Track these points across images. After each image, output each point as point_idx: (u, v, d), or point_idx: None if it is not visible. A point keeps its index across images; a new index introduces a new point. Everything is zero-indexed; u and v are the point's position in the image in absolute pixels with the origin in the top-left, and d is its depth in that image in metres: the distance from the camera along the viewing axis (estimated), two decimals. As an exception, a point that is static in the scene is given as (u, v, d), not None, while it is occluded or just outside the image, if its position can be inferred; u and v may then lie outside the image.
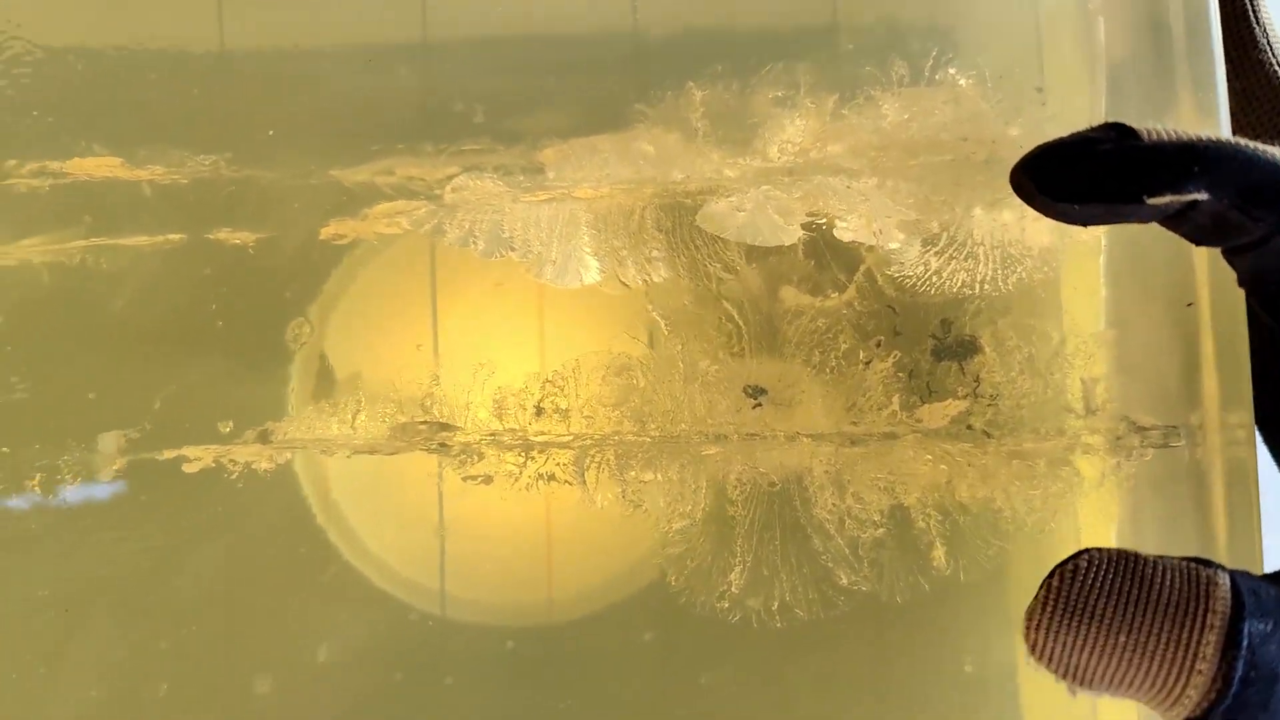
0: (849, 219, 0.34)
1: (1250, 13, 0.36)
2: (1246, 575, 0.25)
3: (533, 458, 0.35)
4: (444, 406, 0.35)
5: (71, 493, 0.35)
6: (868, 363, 0.34)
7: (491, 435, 0.35)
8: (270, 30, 0.36)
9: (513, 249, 0.35)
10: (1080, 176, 0.26)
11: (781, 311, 0.35)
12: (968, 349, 0.34)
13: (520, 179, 0.35)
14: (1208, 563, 0.25)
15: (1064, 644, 0.24)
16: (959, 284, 0.34)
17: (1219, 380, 0.32)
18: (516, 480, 0.35)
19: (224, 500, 0.35)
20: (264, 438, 0.35)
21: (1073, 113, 0.34)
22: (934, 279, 0.34)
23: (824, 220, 0.34)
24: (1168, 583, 0.24)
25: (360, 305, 0.36)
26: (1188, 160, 0.25)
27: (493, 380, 0.35)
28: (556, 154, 0.35)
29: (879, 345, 0.34)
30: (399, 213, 0.36)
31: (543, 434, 0.35)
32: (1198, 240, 0.28)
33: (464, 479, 0.35)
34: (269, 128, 0.36)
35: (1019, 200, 0.28)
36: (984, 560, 0.34)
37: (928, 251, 0.34)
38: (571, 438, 0.35)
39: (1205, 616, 0.24)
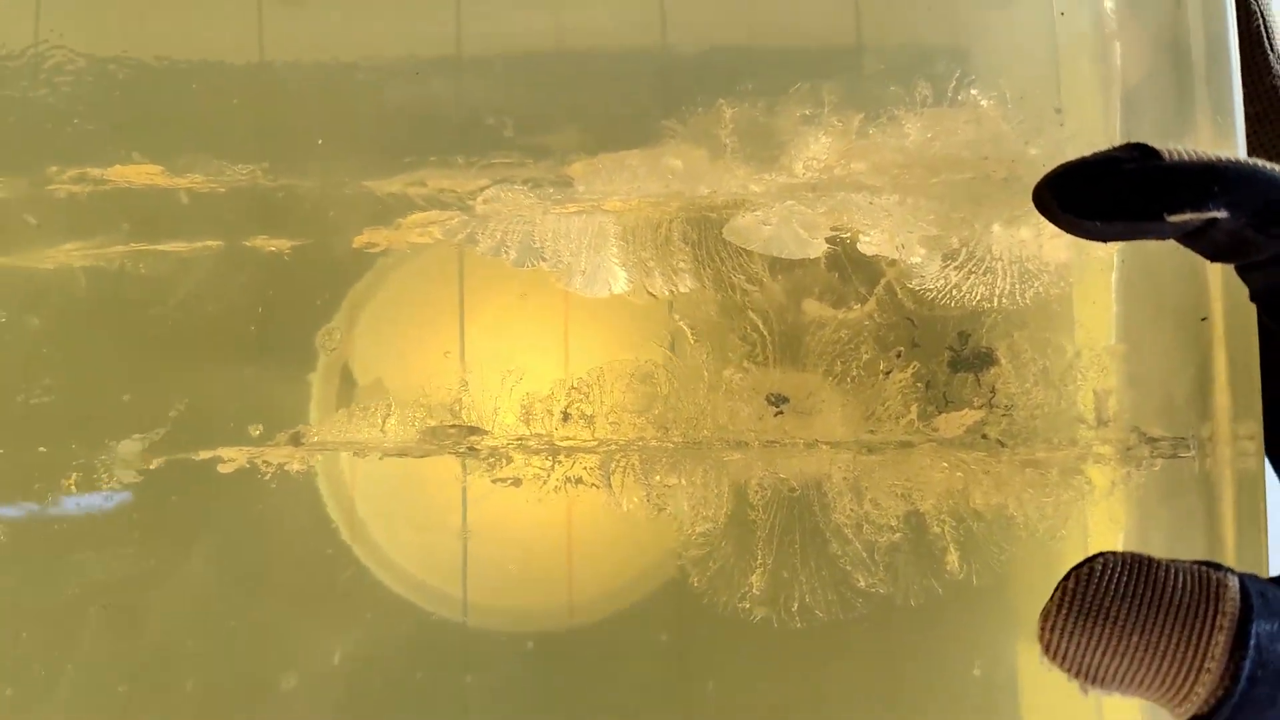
0: (872, 234, 0.35)
1: (1265, 38, 0.37)
2: (1254, 578, 0.25)
3: (559, 462, 0.36)
4: (472, 412, 0.36)
5: (106, 492, 0.36)
6: (887, 373, 0.35)
7: (519, 440, 0.36)
8: (309, 43, 0.37)
9: (543, 259, 0.36)
10: (1103, 194, 0.27)
11: (804, 322, 0.35)
12: (984, 361, 0.35)
13: (550, 191, 0.36)
14: (1217, 566, 0.25)
15: (1078, 644, 0.25)
16: (977, 298, 0.35)
17: (1230, 393, 0.33)
18: (544, 483, 0.36)
19: (254, 502, 0.36)
20: (296, 440, 0.36)
21: (1090, 133, 0.34)
22: (953, 293, 0.35)
23: (848, 234, 0.35)
24: (1179, 585, 0.25)
25: (390, 313, 0.37)
26: (1208, 180, 0.26)
27: (520, 387, 0.36)
28: (585, 168, 0.36)
29: (898, 356, 0.35)
30: (432, 222, 0.36)
31: (569, 439, 0.36)
32: (1214, 257, 0.28)
33: (493, 481, 0.36)
34: (306, 138, 0.37)
35: (1037, 217, 0.28)
36: (996, 565, 0.35)
37: (948, 266, 0.35)
38: (597, 443, 0.36)
39: (1215, 617, 0.24)
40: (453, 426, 0.36)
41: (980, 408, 0.35)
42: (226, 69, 0.37)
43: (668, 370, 0.36)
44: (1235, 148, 0.33)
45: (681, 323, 0.36)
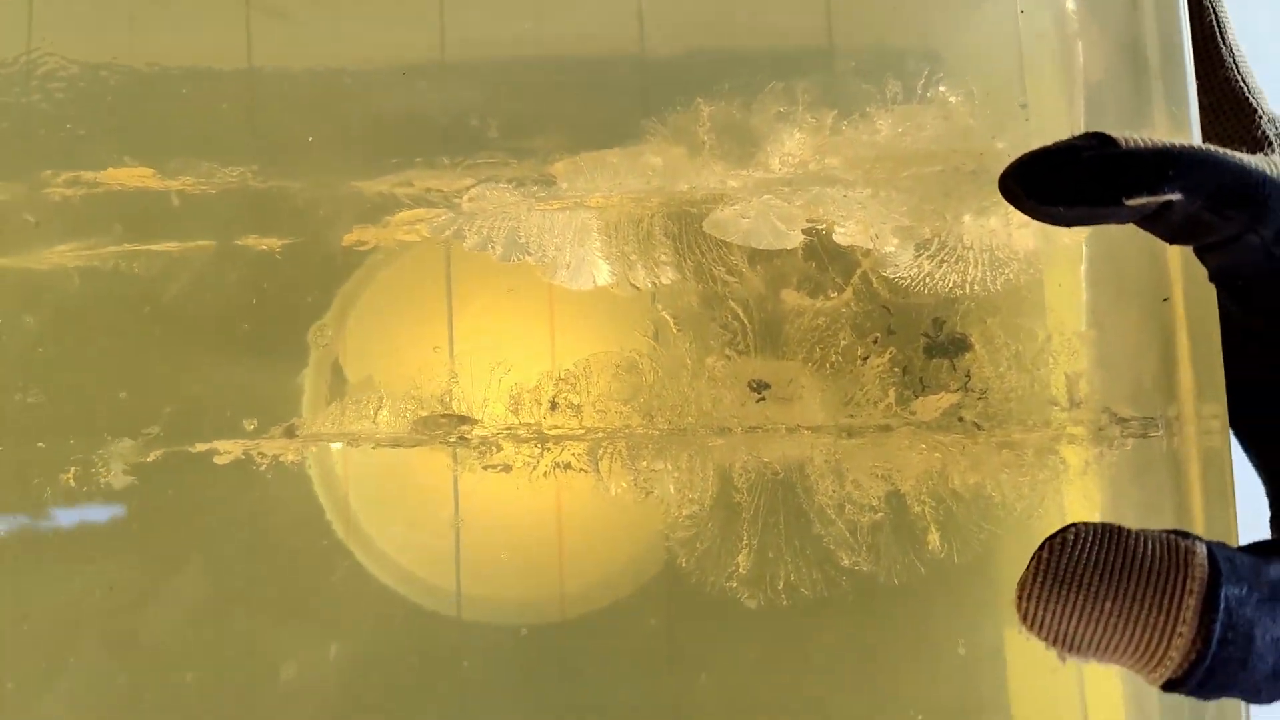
0: (847, 225, 0.36)
1: (1217, 33, 0.38)
2: (1223, 545, 0.26)
3: (548, 449, 0.36)
4: (462, 403, 0.37)
5: (103, 486, 0.36)
6: (864, 359, 0.36)
7: (508, 429, 0.37)
8: (297, 49, 0.38)
9: (529, 253, 0.37)
10: (1065, 180, 0.28)
11: (783, 311, 0.36)
12: (959, 346, 0.36)
13: (534, 189, 0.37)
14: (1186, 534, 0.26)
15: (1054, 612, 0.26)
16: (950, 285, 0.36)
17: (1194, 373, 0.34)
18: (534, 470, 0.36)
19: (249, 495, 0.36)
20: (290, 433, 0.37)
21: (1054, 127, 0.36)
22: (926, 281, 0.36)
23: (823, 226, 0.36)
24: (1149, 552, 0.26)
25: (379, 309, 0.37)
26: (1163, 164, 0.27)
27: (508, 378, 0.37)
28: (568, 166, 0.37)
29: (875, 343, 0.36)
30: (420, 220, 0.37)
31: (557, 428, 0.37)
32: (1172, 239, 0.29)
33: (484, 468, 0.36)
34: (295, 141, 0.37)
35: (1005, 207, 0.29)
36: (975, 544, 0.36)
37: (920, 255, 0.36)
38: (584, 431, 0.36)
39: (1185, 582, 0.25)
40: (443, 416, 0.37)
41: (956, 391, 0.36)
42: (216, 74, 0.38)
43: (652, 360, 0.37)
44: (1191, 137, 0.34)
45: (664, 313, 0.37)
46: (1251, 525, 0.32)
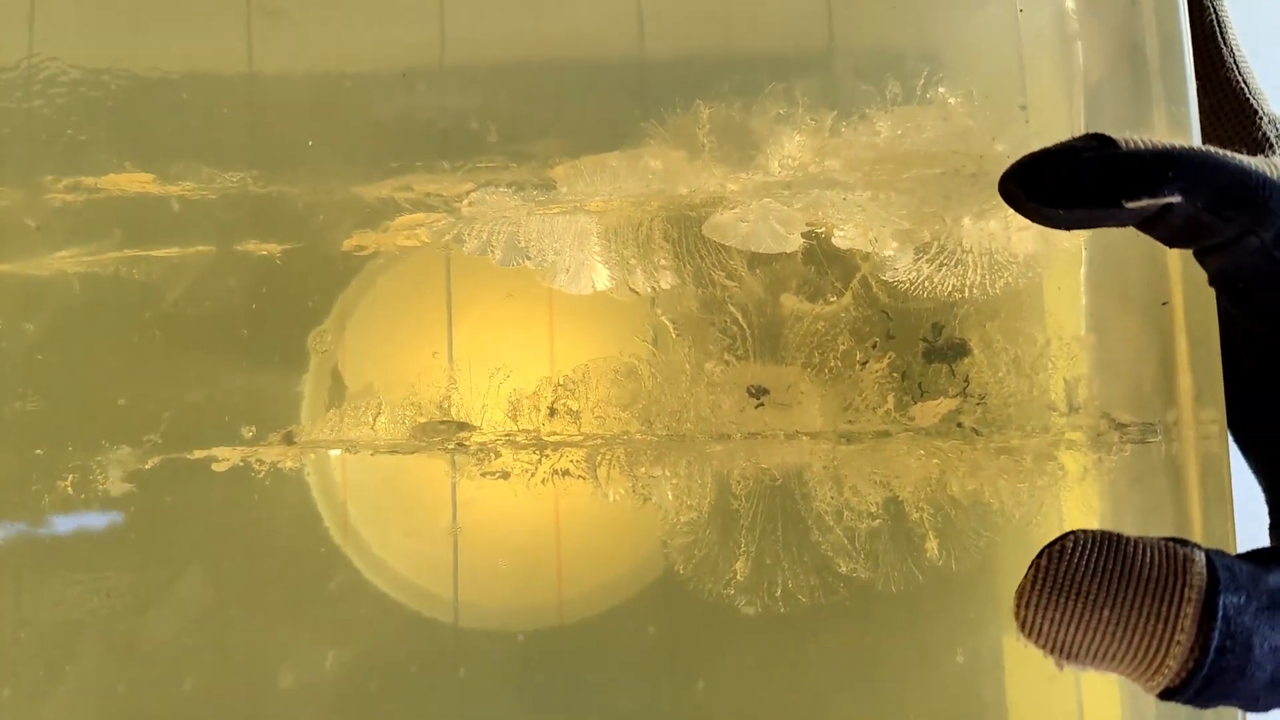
0: (846, 228, 0.36)
1: (1218, 33, 0.38)
2: (1221, 553, 0.26)
3: (546, 456, 0.36)
4: (461, 409, 0.37)
5: (102, 493, 0.36)
6: (863, 364, 0.36)
7: (507, 436, 0.37)
8: (297, 54, 0.38)
9: (528, 258, 0.37)
10: (1065, 182, 0.28)
11: (782, 316, 0.36)
12: (957, 351, 0.36)
13: (534, 193, 0.37)
14: (1184, 542, 0.26)
15: (1052, 620, 0.25)
16: (949, 289, 0.36)
17: (1193, 378, 0.34)
18: (532, 476, 0.36)
19: (248, 502, 0.36)
20: (288, 439, 0.37)
21: (1054, 128, 0.35)
22: (926, 285, 0.36)
23: (822, 229, 0.36)
24: (1148, 560, 0.25)
25: (379, 314, 0.38)
26: (1163, 165, 0.27)
27: (507, 384, 0.37)
28: (567, 170, 0.37)
29: (874, 348, 0.36)
30: (419, 224, 0.37)
31: (555, 434, 0.37)
32: (1172, 242, 0.29)
33: (482, 475, 0.36)
34: (295, 146, 0.37)
35: (1005, 210, 0.29)
36: (974, 551, 0.35)
37: (920, 259, 0.35)
38: (583, 437, 0.36)
39: (1183, 590, 0.25)
40: (442, 423, 0.37)
41: (955, 397, 0.36)
42: (216, 79, 0.38)
43: (651, 365, 0.37)
44: (1191, 138, 0.34)
45: (663, 318, 0.37)
46: (1251, 531, 0.32)
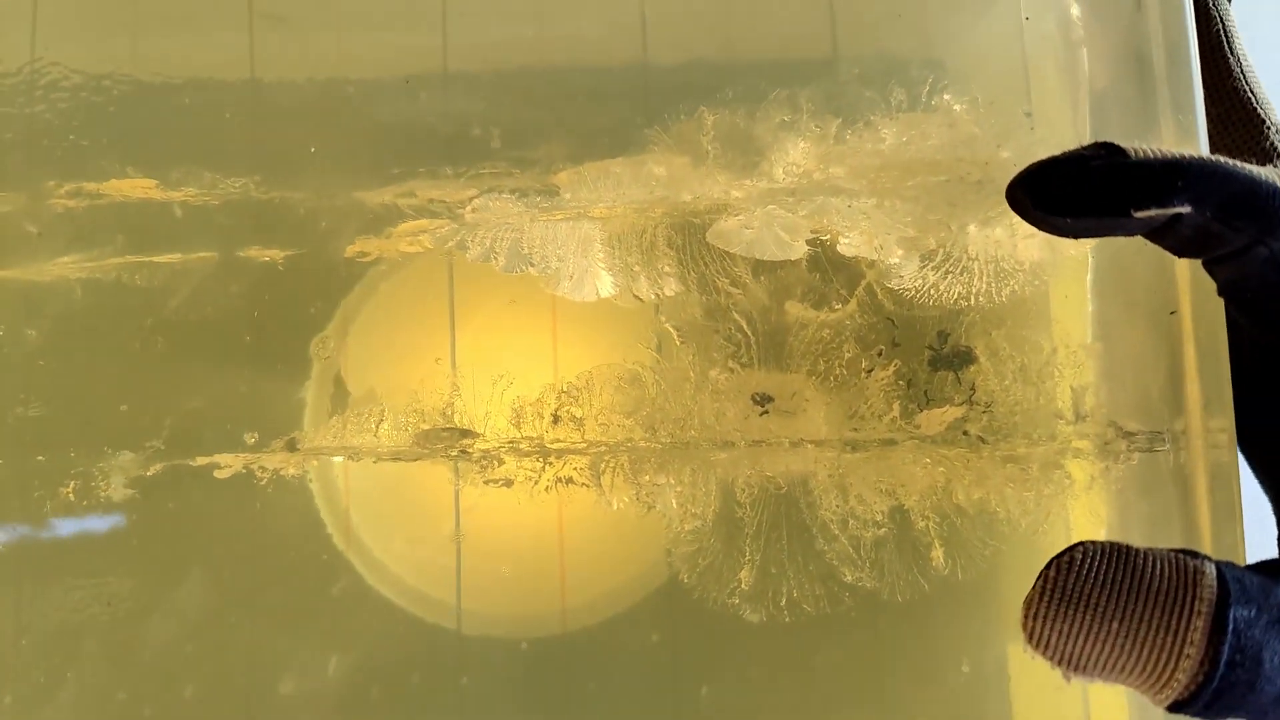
0: (851, 235, 0.35)
1: (1225, 43, 0.37)
2: (1231, 565, 0.26)
3: (550, 463, 0.36)
4: (464, 416, 0.37)
5: (104, 500, 0.36)
6: (869, 372, 0.36)
7: (510, 443, 0.36)
8: (299, 59, 0.38)
9: (532, 264, 0.37)
10: (1073, 191, 0.27)
11: (787, 323, 0.36)
12: (963, 359, 0.36)
13: (537, 199, 0.37)
14: (1195, 554, 0.26)
15: (1060, 632, 0.25)
16: (955, 297, 0.35)
17: (1201, 387, 0.33)
18: (536, 484, 0.36)
19: (250, 508, 0.36)
20: (291, 446, 0.36)
21: (1060, 136, 0.35)
22: (931, 292, 0.35)
23: (827, 237, 0.36)
24: (1157, 572, 0.25)
25: (382, 321, 0.37)
26: (1172, 175, 0.27)
27: (510, 391, 0.37)
28: (571, 176, 0.37)
29: (879, 355, 0.36)
30: (423, 230, 0.37)
31: (559, 441, 0.36)
32: (1180, 252, 0.29)
33: (486, 482, 0.36)
34: (298, 152, 0.37)
35: (1011, 217, 0.29)
36: (980, 560, 0.35)
37: (925, 266, 0.35)
38: (587, 445, 0.36)
39: (1193, 603, 0.25)
40: (445, 430, 0.36)
41: (961, 405, 0.35)
42: (219, 85, 0.38)
43: (655, 372, 0.36)
44: (1198, 147, 0.34)
45: (667, 325, 0.37)
46: (1260, 541, 0.32)
